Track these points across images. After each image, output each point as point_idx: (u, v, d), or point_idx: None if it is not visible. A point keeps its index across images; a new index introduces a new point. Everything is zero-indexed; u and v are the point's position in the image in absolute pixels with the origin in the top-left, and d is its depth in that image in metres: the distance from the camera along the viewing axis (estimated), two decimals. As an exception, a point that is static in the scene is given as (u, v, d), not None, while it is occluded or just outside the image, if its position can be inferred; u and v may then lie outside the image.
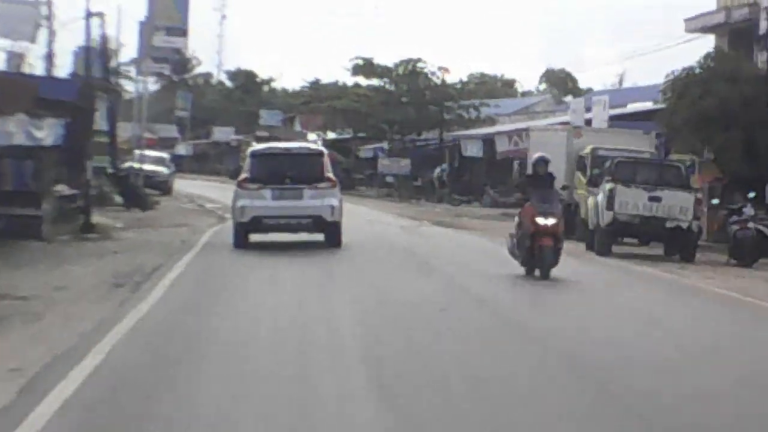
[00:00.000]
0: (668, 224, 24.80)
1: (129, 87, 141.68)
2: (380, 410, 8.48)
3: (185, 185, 65.99)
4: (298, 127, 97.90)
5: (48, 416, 7.91)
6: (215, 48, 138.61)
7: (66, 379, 9.14)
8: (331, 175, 22.36)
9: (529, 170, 20.36)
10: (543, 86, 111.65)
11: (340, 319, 13.29)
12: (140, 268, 18.43)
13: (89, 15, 36.49)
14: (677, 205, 24.78)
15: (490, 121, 70.21)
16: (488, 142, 56.33)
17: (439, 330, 12.62)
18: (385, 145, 74.80)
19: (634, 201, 24.97)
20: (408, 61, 69.99)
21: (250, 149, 24.90)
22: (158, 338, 11.72)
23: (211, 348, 11.04)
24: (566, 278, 18.87)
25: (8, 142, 21.74)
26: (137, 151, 54.62)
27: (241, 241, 22.31)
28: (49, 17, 41.55)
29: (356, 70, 70.88)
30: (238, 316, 13.55)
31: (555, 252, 18.19)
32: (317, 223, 21.96)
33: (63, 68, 45.41)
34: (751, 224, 24.73)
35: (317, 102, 74.40)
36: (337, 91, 75.92)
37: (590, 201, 27.26)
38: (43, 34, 39.08)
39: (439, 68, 69.62)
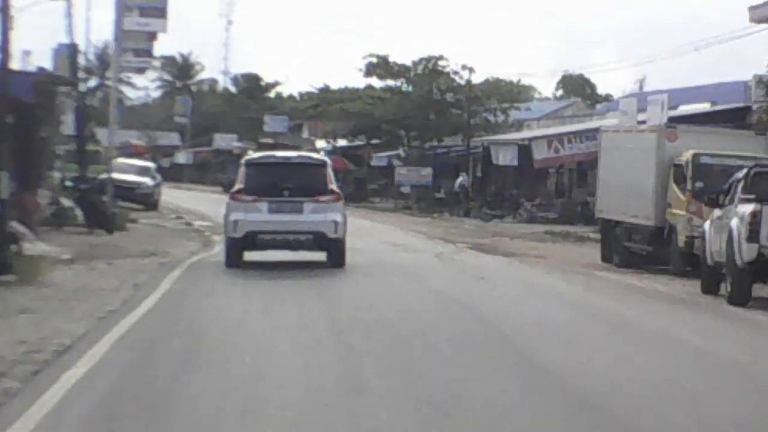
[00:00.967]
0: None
1: (130, 93, 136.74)
2: None
3: (178, 197, 58.75)
4: (305, 134, 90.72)
5: None
6: (221, 54, 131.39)
7: None
8: (334, 187, 20.57)
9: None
10: (560, 92, 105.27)
11: None
12: (39, 347, 10.98)
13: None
14: None
15: (518, 126, 62.92)
16: (523, 148, 48.82)
17: None
18: (401, 152, 67.49)
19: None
20: (428, 59, 62.56)
21: (244, 157, 22.62)
22: None
23: None
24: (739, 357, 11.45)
25: None
26: (120, 160, 47.40)
27: (233, 260, 20.42)
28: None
29: (370, 69, 63.35)
30: None
31: None
32: (318, 240, 20.21)
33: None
34: None
35: (327, 105, 66.79)
36: (348, 93, 68.40)
37: (707, 226, 19.75)
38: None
39: (463, 67, 62.17)
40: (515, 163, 49.03)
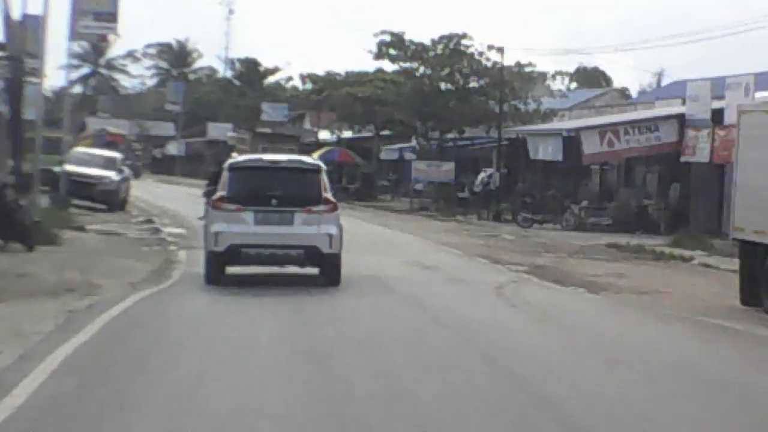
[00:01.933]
0: None
1: (124, 81, 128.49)
2: None
3: (161, 194, 50.58)
4: (307, 125, 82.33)
5: None
6: (222, 44, 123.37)
7: None
8: (329, 195, 18.36)
9: None
10: (574, 85, 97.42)
11: None
12: None
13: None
14: None
15: (545, 116, 54.49)
16: (568, 141, 40.42)
17: None
18: (415, 143, 59.14)
19: None
20: (449, 38, 54.11)
21: (228, 161, 19.72)
22: None
23: None
24: None
25: None
26: (80, 149, 39.31)
27: (214, 276, 17.98)
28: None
29: (382, 50, 54.77)
30: None
31: None
32: (311, 255, 18.03)
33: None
34: None
35: (332, 89, 58.28)
36: (357, 77, 59.91)
37: None
38: None
39: (490, 47, 53.70)
40: (559, 158, 40.63)
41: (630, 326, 15.49)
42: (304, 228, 17.97)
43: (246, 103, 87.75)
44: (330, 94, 58.04)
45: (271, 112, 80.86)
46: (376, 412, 8.84)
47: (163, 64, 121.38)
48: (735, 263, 19.17)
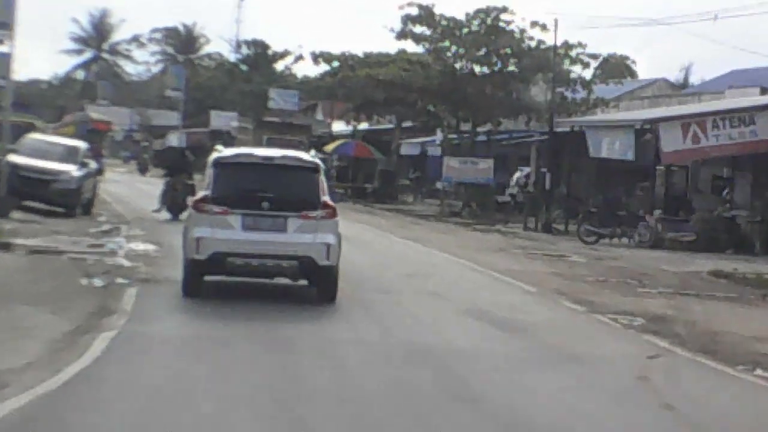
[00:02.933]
0: None
1: (128, 68, 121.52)
2: None
3: (147, 193, 42.82)
4: (319, 116, 74.61)
5: None
6: (232, 32, 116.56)
7: None
8: (328, 199, 16.17)
9: None
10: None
11: None
12: None
13: None
14: None
15: (602, 104, 46.99)
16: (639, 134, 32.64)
17: None
18: (438, 136, 51.67)
19: None
20: (487, 12, 46.31)
21: (213, 155, 16.90)
22: None
23: None
24: None
25: None
26: (34, 136, 31.78)
27: (192, 287, 15.85)
28: None
29: (407, 26, 46.92)
30: None
31: None
32: (305, 267, 15.80)
33: None
34: None
35: (348, 72, 50.36)
36: (377, 58, 52.04)
37: None
38: None
39: (533, 24, 46.01)
40: (630, 156, 32.73)
41: None
42: (298, 236, 15.95)
43: (252, 89, 79.92)
44: (346, 76, 50.08)
45: (279, 99, 72.84)
46: None
47: (169, 50, 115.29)
48: None
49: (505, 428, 9.00)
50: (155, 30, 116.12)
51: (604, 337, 14.38)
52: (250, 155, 16.89)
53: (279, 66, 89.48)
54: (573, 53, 46.48)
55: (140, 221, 28.59)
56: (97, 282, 16.56)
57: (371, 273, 20.16)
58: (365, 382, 10.50)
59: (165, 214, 29.50)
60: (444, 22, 46.27)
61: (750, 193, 33.80)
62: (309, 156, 16.95)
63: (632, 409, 10.05)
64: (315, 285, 16.22)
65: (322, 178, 16.43)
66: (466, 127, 49.06)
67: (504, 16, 46.13)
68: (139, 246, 22.34)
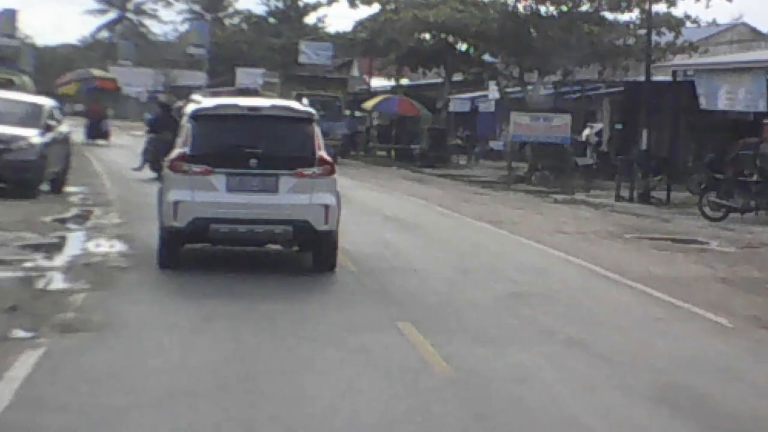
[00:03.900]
0: None
1: (155, 28, 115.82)
2: None
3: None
4: (355, 73, 67.44)
5: None
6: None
7: None
8: (324, 154, 14.39)
9: None
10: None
11: None
12: None
13: None
14: None
15: (690, 50, 39.80)
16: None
17: None
18: (493, 91, 44.73)
19: None
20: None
21: (190, 106, 15.65)
22: None
23: None
24: None
25: None
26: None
27: (170, 257, 14.15)
28: None
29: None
30: None
31: None
32: (301, 232, 14.06)
33: None
34: None
35: (392, 15, 42.84)
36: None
37: None
38: None
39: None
40: (762, 106, 25.24)
41: None
42: (292, 197, 14.12)
43: (281, 42, 72.67)
44: (389, 19, 42.56)
45: (311, 53, 65.56)
46: None
47: (196, 8, 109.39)
48: None
49: None
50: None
51: None
52: (234, 106, 14.99)
53: (310, 19, 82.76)
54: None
55: (122, 203, 21.39)
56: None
57: (445, 288, 13.19)
58: None
59: (148, 173, 27.02)
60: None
61: None
62: (302, 105, 15.26)
63: None
64: (312, 252, 14.55)
65: (317, 130, 14.50)
66: (527, 78, 41.87)
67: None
68: (101, 246, 15.33)
